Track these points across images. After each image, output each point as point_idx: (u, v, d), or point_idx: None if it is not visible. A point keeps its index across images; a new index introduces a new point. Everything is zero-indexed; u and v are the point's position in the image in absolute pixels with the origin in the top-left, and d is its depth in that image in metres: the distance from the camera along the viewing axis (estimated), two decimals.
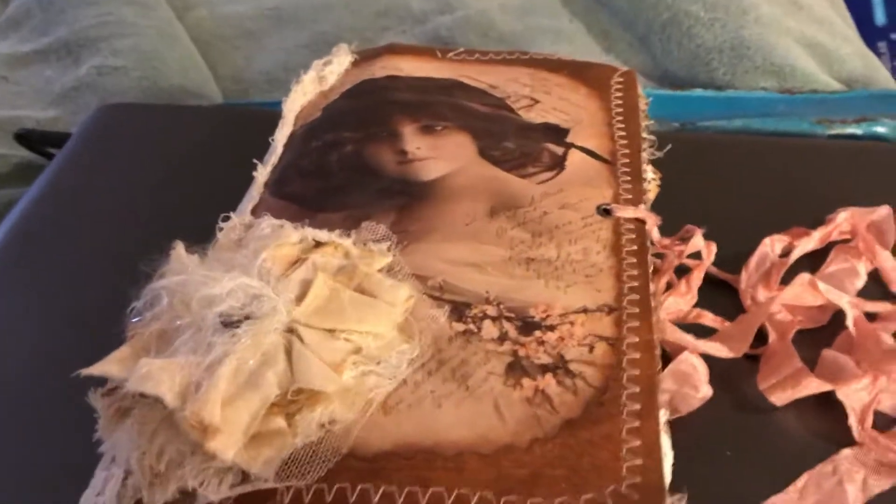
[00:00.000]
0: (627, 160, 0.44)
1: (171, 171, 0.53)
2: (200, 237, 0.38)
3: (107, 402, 0.33)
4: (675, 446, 0.33)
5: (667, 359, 0.37)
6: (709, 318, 0.41)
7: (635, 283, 0.37)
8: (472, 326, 0.35)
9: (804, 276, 0.41)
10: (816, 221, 0.46)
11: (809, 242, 0.44)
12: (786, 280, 0.42)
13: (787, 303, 0.41)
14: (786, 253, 0.44)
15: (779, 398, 0.37)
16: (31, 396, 0.41)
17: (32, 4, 0.79)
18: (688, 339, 0.39)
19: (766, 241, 0.44)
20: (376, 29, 0.74)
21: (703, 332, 0.40)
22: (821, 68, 0.70)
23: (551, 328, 0.34)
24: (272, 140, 0.47)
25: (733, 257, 0.44)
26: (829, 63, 0.71)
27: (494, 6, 0.77)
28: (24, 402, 0.41)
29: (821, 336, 0.40)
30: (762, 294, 0.42)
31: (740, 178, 0.50)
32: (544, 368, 0.33)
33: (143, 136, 0.57)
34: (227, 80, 0.74)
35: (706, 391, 0.37)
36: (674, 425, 0.35)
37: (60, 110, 0.69)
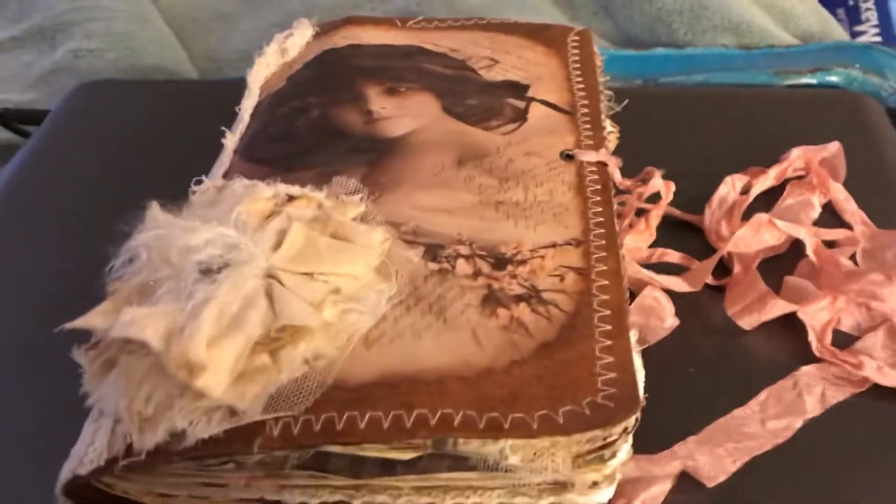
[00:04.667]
0: (587, 110, 0.46)
1: (149, 144, 0.54)
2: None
3: (91, 355, 0.34)
4: (644, 369, 0.34)
5: (632, 297, 0.39)
6: (675, 256, 0.43)
7: (601, 219, 0.38)
8: (446, 265, 0.36)
9: (761, 216, 0.43)
10: (774, 163, 0.47)
11: (767, 180, 0.46)
12: (747, 216, 0.44)
13: (748, 241, 0.43)
14: (745, 191, 0.46)
15: (747, 322, 0.39)
16: (14, 369, 0.41)
17: None
18: (649, 274, 0.40)
19: (727, 179, 0.46)
20: (347, 6, 0.75)
21: (670, 270, 0.42)
22: (777, 25, 0.72)
23: (522, 262, 0.36)
24: (238, 109, 0.48)
25: (698, 199, 0.45)
26: (785, 20, 0.74)
27: None
28: (7, 374, 0.41)
29: (782, 266, 0.42)
30: (725, 230, 0.44)
31: (701, 127, 0.52)
32: (518, 298, 0.34)
33: (120, 111, 0.58)
34: (202, 59, 0.75)
35: (672, 322, 0.39)
36: (643, 353, 0.36)
37: (38, 93, 0.70)
